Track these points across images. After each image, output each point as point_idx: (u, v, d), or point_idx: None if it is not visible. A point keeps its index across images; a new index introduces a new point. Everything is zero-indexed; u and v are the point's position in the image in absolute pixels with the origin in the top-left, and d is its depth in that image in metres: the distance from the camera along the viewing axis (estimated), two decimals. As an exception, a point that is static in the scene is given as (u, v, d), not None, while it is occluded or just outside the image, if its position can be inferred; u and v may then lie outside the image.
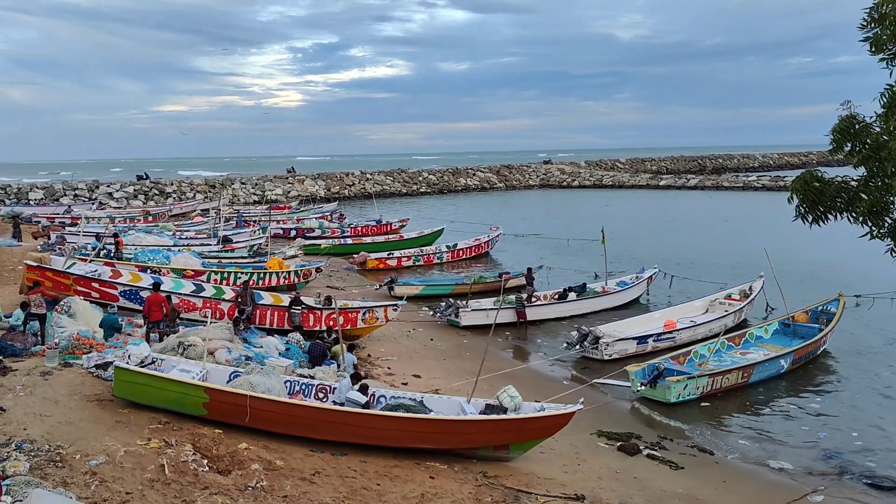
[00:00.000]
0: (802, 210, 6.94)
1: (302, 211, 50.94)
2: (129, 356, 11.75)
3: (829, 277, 26.01)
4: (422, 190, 75.76)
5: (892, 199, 6.35)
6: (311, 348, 15.44)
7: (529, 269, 24.41)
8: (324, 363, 14.83)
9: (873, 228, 6.67)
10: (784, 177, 76.48)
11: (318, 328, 17.71)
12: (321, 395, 12.42)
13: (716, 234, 41.76)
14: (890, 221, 6.53)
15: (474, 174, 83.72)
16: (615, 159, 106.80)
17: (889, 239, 6.69)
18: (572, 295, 23.54)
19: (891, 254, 6.67)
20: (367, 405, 11.75)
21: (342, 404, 11.65)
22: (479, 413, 11.96)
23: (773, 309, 20.70)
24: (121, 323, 15.52)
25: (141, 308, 16.14)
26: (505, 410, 11.96)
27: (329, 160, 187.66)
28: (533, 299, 22.93)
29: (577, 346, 18.61)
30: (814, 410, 15.25)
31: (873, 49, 6.03)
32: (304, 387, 12.50)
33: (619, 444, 13.11)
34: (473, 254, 34.56)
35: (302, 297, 18.79)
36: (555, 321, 22.37)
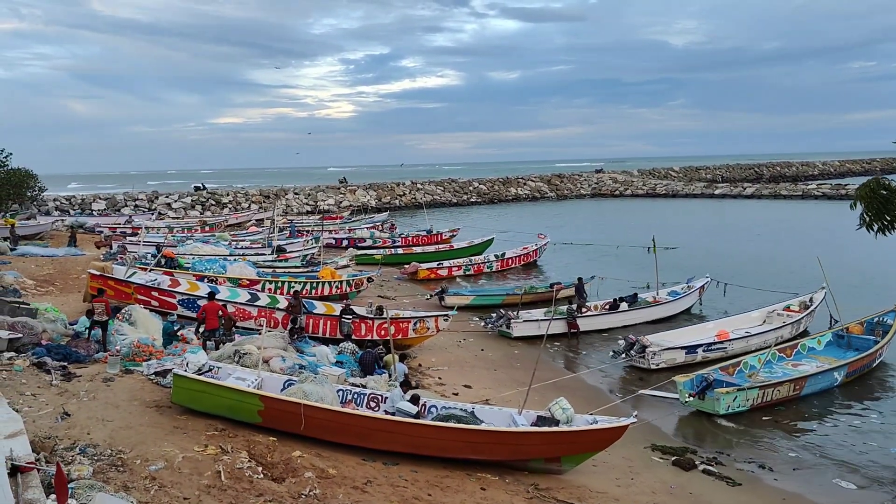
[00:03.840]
0: (867, 218, 6.76)
1: (353, 221, 51.50)
2: (187, 364, 12.05)
3: (887, 287, 25.08)
4: (472, 200, 75.87)
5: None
6: (362, 357, 15.58)
7: (580, 280, 24.20)
8: (375, 372, 14.95)
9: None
10: (846, 185, 74.05)
11: (369, 337, 17.87)
12: (373, 404, 12.52)
13: (774, 243, 40.73)
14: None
15: (525, 184, 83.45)
16: (669, 167, 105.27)
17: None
18: (623, 305, 23.26)
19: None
20: (418, 415, 11.80)
21: (394, 414, 11.73)
22: (531, 425, 11.90)
23: (836, 321, 20.08)
24: (177, 330, 15.92)
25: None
26: (557, 422, 11.87)
27: (383, 169, 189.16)
28: (584, 310, 22.74)
29: (624, 355, 18.39)
30: (873, 425, 14.74)
31: None
32: (356, 396, 12.62)
33: (673, 458, 12.88)
34: (521, 263, 34.47)
35: (353, 307, 18.99)
36: (606, 332, 22.14)
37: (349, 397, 12.57)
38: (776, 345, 18.36)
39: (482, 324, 22.57)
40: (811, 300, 22.02)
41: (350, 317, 18.30)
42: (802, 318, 21.09)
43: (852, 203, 6.84)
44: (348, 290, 24.47)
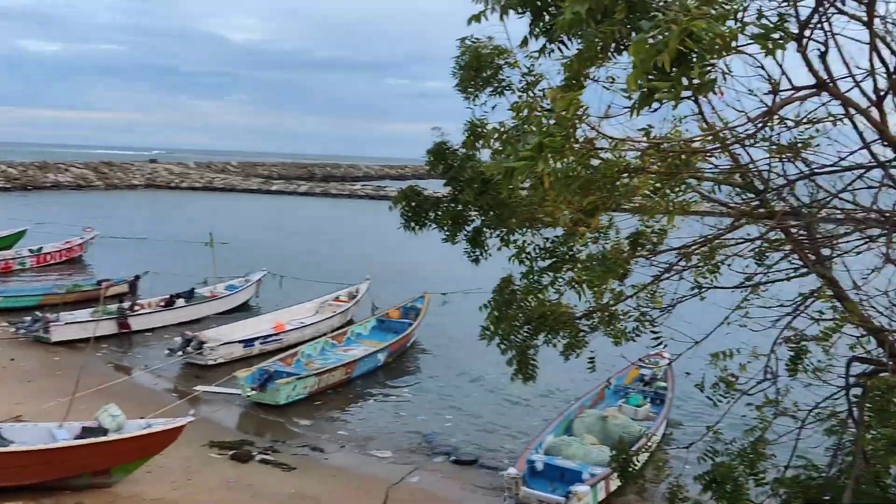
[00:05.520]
0: (405, 220, 7.77)
1: None
2: None
3: (418, 277, 28.91)
4: (-2, 185, 65.37)
5: (469, 213, 7.46)
6: None
7: (137, 277, 22.77)
8: None
9: (453, 234, 7.76)
10: (385, 187, 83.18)
11: None
12: None
13: (325, 238, 43.67)
14: (468, 230, 7.65)
15: (67, 169, 74.99)
16: (226, 161, 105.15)
17: (468, 244, 7.83)
18: (180, 301, 22.54)
19: (468, 256, 7.81)
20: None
21: None
22: (76, 437, 10.75)
23: (377, 308, 22.44)
24: None
25: None
26: (105, 431, 10.93)
27: None
28: (136, 308, 21.40)
29: (181, 353, 17.86)
30: (407, 398, 16.93)
31: (460, 89, 7.01)
32: None
33: (231, 452, 12.93)
34: (64, 258, 30.99)
35: None
36: (162, 329, 21.18)
37: None
38: (329, 333, 19.76)
39: (13, 329, 19.63)
40: (357, 290, 24.14)
41: None
42: (350, 306, 23.02)
43: (391, 205, 7.81)
44: None
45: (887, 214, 6.01)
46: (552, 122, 3.92)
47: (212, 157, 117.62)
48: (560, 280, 6.95)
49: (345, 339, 19.96)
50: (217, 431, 13.90)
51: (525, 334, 7.14)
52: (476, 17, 4.82)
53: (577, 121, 4.02)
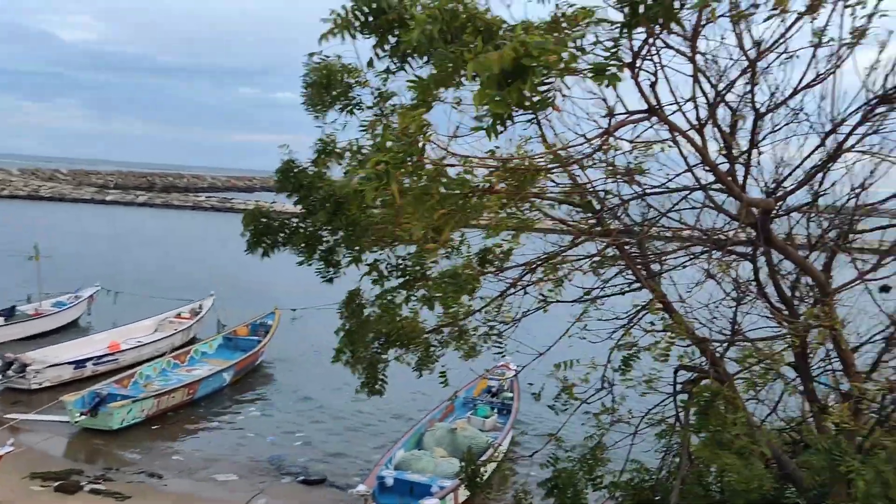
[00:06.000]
0: (253, 243, 7.49)
1: None
2: None
3: (267, 294, 28.14)
4: None
5: (322, 233, 7.33)
6: None
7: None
8: None
9: (308, 256, 7.58)
10: (231, 199, 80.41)
11: None
12: None
13: (166, 251, 41.49)
14: (321, 250, 7.51)
15: None
16: (55, 169, 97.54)
17: (321, 263, 7.68)
18: (-1, 320, 20.63)
19: (321, 277, 7.67)
20: None
21: None
22: None
23: (224, 325, 21.58)
24: None
25: None
26: None
27: None
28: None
29: (1, 377, 16.32)
30: (254, 417, 16.39)
31: (309, 107, 6.90)
32: None
33: (57, 483, 11.93)
34: None
35: None
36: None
37: None
38: (172, 352, 18.76)
39: None
40: (201, 307, 23.14)
41: None
42: (193, 324, 22.00)
43: (242, 231, 7.51)
44: None
45: (708, 233, 6.58)
46: (395, 139, 3.97)
47: (39, 164, 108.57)
48: (413, 298, 7.00)
49: (188, 359, 19.03)
50: (41, 461, 12.78)
51: (375, 349, 7.13)
52: (325, 36, 4.77)
53: (420, 137, 4.07)
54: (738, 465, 5.45)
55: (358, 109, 6.83)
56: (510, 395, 16.15)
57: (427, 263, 6.77)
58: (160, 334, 21.00)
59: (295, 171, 7.31)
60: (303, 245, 7.41)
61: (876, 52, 5.70)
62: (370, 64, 4.98)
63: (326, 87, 6.62)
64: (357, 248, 7.01)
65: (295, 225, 7.51)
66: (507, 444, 14.26)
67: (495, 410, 15.58)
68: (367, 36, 4.84)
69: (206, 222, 61.03)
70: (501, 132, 3.81)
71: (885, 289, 6.41)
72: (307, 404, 17.50)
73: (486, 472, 10.19)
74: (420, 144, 4.12)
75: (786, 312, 6.41)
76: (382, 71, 5.30)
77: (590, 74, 3.93)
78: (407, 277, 6.97)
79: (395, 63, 4.88)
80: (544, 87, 3.64)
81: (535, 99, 3.62)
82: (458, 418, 14.97)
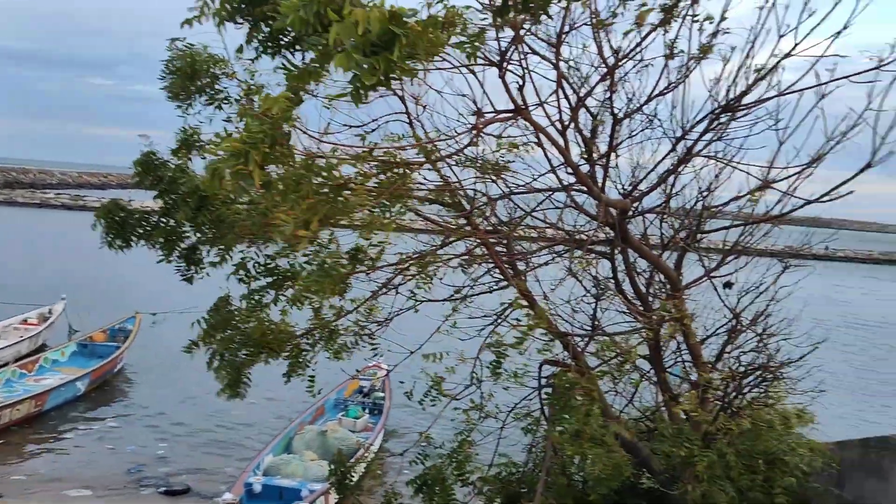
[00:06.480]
0: (109, 238, 7.06)
1: None
2: None
3: (127, 297, 26.69)
4: None
5: (184, 229, 7.01)
6: None
7: None
8: None
9: (168, 253, 7.22)
10: (84, 196, 75.45)
11: None
12: None
13: (11, 253, 38.32)
14: (182, 247, 7.19)
15: None
16: None
17: (181, 262, 7.34)
18: None
19: (181, 276, 7.33)
20: None
21: None
22: None
23: (77, 331, 20.24)
24: None
25: None
26: None
27: None
28: None
29: None
30: (112, 427, 15.48)
31: (171, 96, 6.58)
32: None
33: None
34: None
35: None
36: None
37: None
38: (17, 361, 17.40)
39: None
40: (50, 311, 21.61)
41: None
42: (42, 330, 20.52)
43: (94, 224, 7.05)
44: None
45: (570, 232, 6.87)
46: (257, 122, 3.86)
47: None
48: (282, 298, 6.83)
49: (37, 368, 17.68)
50: None
51: (244, 356, 6.88)
52: (188, 22, 4.57)
53: (283, 121, 3.97)
54: (600, 454, 5.71)
55: (225, 103, 6.60)
56: (382, 394, 16.15)
57: (297, 259, 6.62)
58: (3, 342, 19.37)
59: (156, 163, 6.95)
60: (162, 240, 7.06)
61: (720, 65, 6.20)
62: (239, 50, 4.82)
63: (191, 76, 6.36)
64: (222, 246, 6.76)
65: (156, 220, 7.14)
66: (378, 443, 14.25)
67: (367, 411, 15.54)
68: (240, 25, 4.67)
69: (57, 221, 56.91)
70: (365, 103, 3.81)
71: (727, 285, 6.93)
72: (171, 411, 16.67)
73: (356, 473, 10.10)
74: (285, 129, 4.02)
75: (641, 308, 6.80)
76: (253, 59, 5.14)
77: (455, 47, 4.01)
78: (276, 277, 6.80)
79: (267, 53, 4.73)
80: (412, 60, 3.66)
81: (401, 66, 3.59)
82: (329, 420, 14.79)
